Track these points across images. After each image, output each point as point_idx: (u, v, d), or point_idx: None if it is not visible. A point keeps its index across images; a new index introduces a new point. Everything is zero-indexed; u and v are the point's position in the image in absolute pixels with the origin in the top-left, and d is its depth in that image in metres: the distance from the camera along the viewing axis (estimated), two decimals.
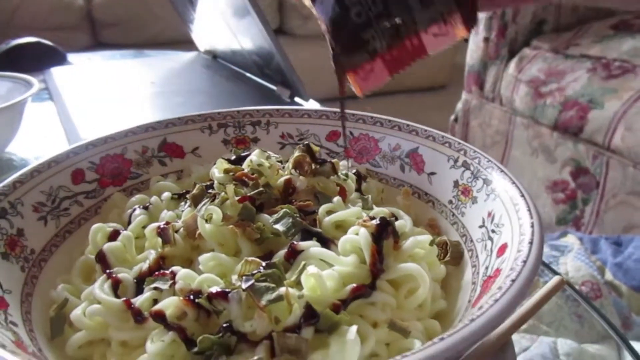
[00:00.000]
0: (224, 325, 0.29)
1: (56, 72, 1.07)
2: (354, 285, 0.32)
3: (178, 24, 1.27)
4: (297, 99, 0.91)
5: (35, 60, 1.10)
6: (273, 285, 0.30)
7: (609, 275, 1.07)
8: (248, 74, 1.06)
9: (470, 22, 0.29)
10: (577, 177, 1.39)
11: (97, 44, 2.44)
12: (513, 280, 0.27)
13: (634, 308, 1.01)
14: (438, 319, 0.35)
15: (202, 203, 0.37)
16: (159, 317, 0.30)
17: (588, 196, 1.36)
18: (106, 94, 0.99)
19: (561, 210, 1.43)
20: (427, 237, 0.37)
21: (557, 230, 1.34)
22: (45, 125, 0.86)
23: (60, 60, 1.17)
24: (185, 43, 1.35)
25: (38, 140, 0.82)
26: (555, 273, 0.60)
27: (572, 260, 1.06)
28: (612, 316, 0.93)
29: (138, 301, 0.32)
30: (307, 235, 0.36)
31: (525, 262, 0.28)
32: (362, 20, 0.28)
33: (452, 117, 1.80)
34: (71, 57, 1.21)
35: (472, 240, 0.38)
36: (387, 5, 0.28)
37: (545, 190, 1.47)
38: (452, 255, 0.38)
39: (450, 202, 0.43)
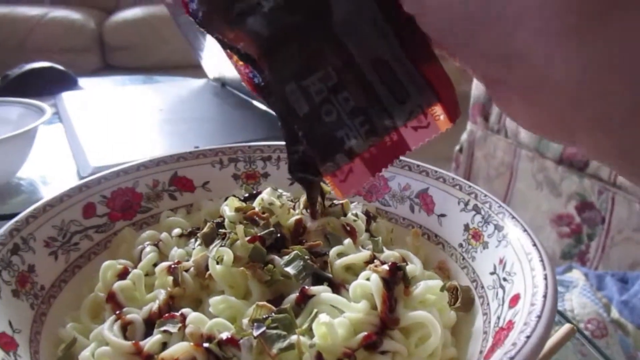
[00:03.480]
0: None
1: (67, 96, 1.08)
2: (365, 333, 0.32)
3: (186, 49, 1.29)
4: None
5: (48, 84, 1.12)
6: (284, 332, 0.30)
7: (615, 313, 1.06)
8: (256, 103, 1.07)
9: (453, 113, 0.27)
10: (582, 211, 1.38)
11: (107, 66, 2.48)
12: (528, 337, 0.27)
13: None
14: None
15: (214, 244, 0.37)
16: None
17: (593, 231, 1.36)
18: (115, 120, 1.00)
19: (566, 244, 1.43)
20: (437, 283, 0.37)
21: (561, 264, 1.33)
22: (54, 149, 0.87)
23: (72, 84, 1.18)
24: (193, 68, 1.37)
25: (46, 164, 0.83)
26: (563, 316, 0.59)
27: (578, 296, 1.05)
28: (618, 355, 0.91)
29: (147, 344, 0.32)
30: (318, 278, 0.36)
31: (539, 317, 0.28)
32: (333, 118, 0.26)
33: (457, 147, 1.80)
34: (82, 81, 1.23)
35: (483, 287, 0.38)
36: (359, 102, 0.26)
37: (550, 224, 1.46)
38: (463, 302, 0.38)
39: (461, 245, 0.42)
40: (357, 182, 0.28)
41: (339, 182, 0.28)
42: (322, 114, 0.26)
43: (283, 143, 0.54)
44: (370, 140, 0.27)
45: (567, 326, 0.40)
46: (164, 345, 0.32)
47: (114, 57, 2.49)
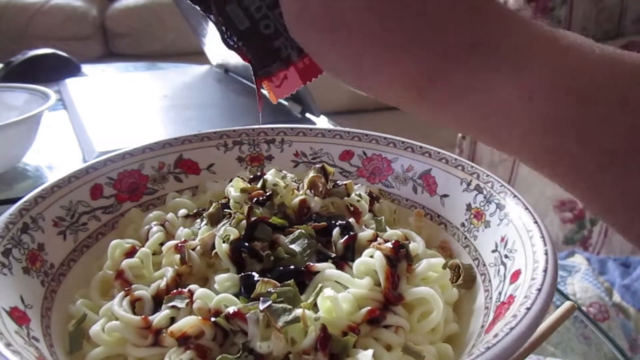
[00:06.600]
0: (244, 343, 0.30)
1: (71, 83, 1.09)
2: (369, 308, 0.32)
3: (189, 36, 1.29)
4: (308, 115, 0.91)
5: (51, 71, 1.12)
6: (290, 306, 0.31)
7: (616, 297, 1.07)
8: None
9: None
10: None
11: (109, 54, 2.47)
12: (528, 309, 0.27)
13: None
14: (450, 342, 0.36)
15: (222, 224, 0.38)
16: (181, 337, 0.30)
17: (596, 216, 1.36)
18: (119, 106, 1.01)
19: (569, 229, 1.43)
20: (440, 260, 0.38)
21: (564, 249, 1.34)
22: (58, 135, 0.88)
23: (75, 71, 1.18)
24: (196, 54, 1.37)
25: (51, 149, 0.83)
26: (564, 295, 0.60)
27: (580, 281, 1.05)
28: (619, 338, 0.92)
29: (156, 319, 0.33)
30: (322, 256, 0.37)
31: (539, 290, 0.29)
32: (270, 31, 0.29)
33: (460, 133, 1.80)
34: (85, 68, 1.23)
35: (484, 265, 0.39)
36: None
37: (553, 209, 1.46)
38: (465, 279, 0.39)
39: (463, 225, 0.43)
40: (290, 88, 0.32)
41: (274, 87, 0.31)
42: (261, 28, 0.29)
43: (287, 126, 0.55)
44: (303, 51, 0.30)
45: (567, 303, 0.40)
46: (172, 320, 0.33)
47: (116, 44, 2.48)
